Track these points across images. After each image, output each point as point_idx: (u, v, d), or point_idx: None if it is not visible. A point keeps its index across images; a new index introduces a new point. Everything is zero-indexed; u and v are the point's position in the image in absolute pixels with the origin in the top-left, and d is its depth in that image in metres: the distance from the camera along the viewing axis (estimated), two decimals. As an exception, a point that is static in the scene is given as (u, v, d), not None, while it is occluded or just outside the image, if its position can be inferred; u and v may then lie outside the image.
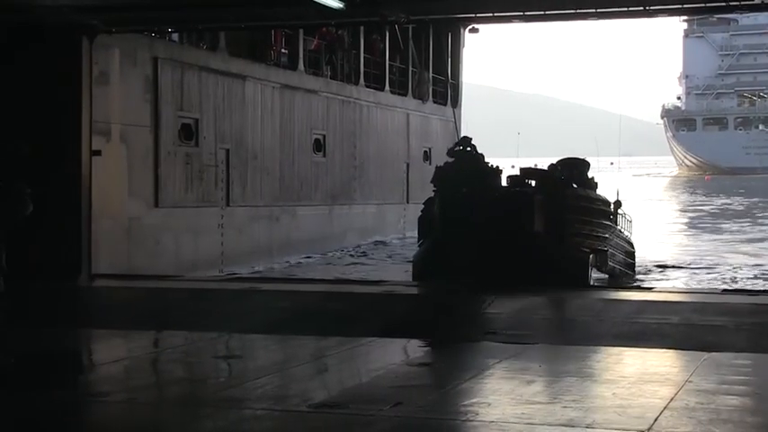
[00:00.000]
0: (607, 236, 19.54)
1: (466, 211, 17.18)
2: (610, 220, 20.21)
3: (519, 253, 16.67)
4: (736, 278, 24.27)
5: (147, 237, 20.29)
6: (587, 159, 19.72)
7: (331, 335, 11.17)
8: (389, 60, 33.22)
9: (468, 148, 18.44)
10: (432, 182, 18.13)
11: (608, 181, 20.49)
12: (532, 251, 16.74)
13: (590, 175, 19.45)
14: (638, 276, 23.09)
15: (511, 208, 17.31)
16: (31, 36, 16.25)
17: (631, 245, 22.47)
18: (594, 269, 18.64)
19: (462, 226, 17.10)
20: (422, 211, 18.37)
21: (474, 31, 38.53)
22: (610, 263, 19.61)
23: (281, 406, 8.00)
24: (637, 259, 23.41)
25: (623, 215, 21.93)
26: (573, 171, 18.75)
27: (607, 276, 19.82)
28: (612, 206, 20.59)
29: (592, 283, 18.07)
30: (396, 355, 10.73)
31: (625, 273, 21.57)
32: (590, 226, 18.57)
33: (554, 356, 10.37)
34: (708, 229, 43.65)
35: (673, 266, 26.44)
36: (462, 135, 21.40)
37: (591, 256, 18.09)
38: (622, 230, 21.73)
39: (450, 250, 17.11)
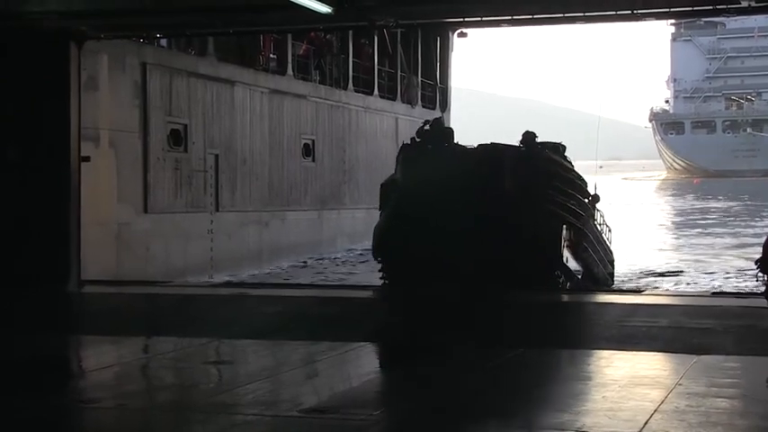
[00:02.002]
0: (583, 215, 17.86)
1: (430, 169, 15.94)
2: (587, 201, 18.47)
3: (486, 216, 15.42)
4: (724, 281, 24.32)
5: (136, 242, 20.26)
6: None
7: (321, 339, 11.16)
8: (378, 65, 33.25)
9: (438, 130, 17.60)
10: (397, 157, 17.15)
11: (595, 183, 19.81)
12: (500, 211, 15.53)
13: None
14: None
15: (479, 166, 16.03)
16: (18, 42, 16.20)
17: (611, 252, 20.99)
18: (569, 253, 16.99)
19: (426, 188, 15.84)
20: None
21: (462, 35, 38.61)
22: (584, 245, 17.83)
23: (271, 411, 7.99)
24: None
25: (604, 222, 20.41)
26: (546, 145, 17.50)
27: (582, 271, 18.13)
28: (590, 201, 18.72)
29: (565, 261, 16.66)
30: (386, 359, 10.73)
31: (605, 277, 20.05)
32: (564, 196, 17.02)
33: (544, 360, 10.38)
34: (696, 232, 43.76)
35: (663, 274, 26.33)
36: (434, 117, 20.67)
37: (564, 227, 16.60)
38: (602, 231, 20.05)
39: (412, 218, 15.90)
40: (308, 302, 14.88)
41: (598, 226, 19.76)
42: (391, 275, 16.98)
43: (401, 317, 13.70)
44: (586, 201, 18.40)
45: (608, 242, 20.89)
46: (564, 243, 16.64)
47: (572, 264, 17.40)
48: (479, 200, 15.64)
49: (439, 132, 17.33)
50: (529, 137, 16.98)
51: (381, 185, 17.41)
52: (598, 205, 19.65)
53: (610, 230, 21.24)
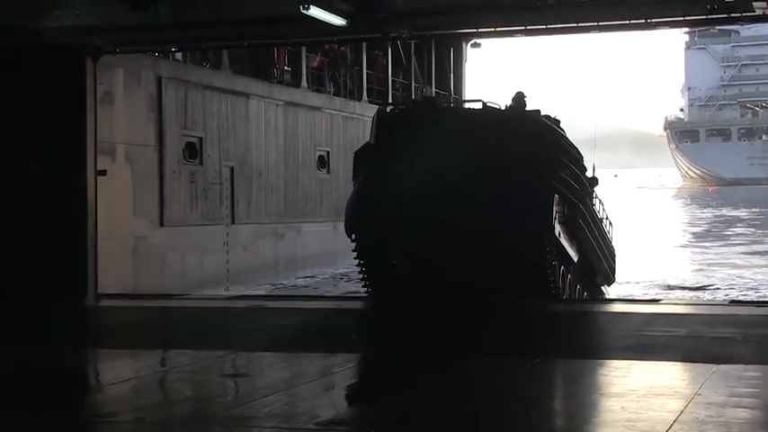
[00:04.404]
0: (578, 189, 16.28)
1: (408, 130, 14.41)
2: (584, 176, 16.81)
3: (469, 177, 14.06)
4: (743, 290, 24.19)
5: (152, 256, 20.30)
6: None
7: (337, 351, 11.15)
8: (392, 76, 33.25)
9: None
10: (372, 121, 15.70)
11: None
12: (485, 171, 14.17)
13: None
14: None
15: (463, 127, 14.60)
16: (35, 57, 16.30)
17: (612, 245, 19.58)
18: (561, 230, 15.50)
19: (403, 153, 14.35)
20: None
21: (476, 45, 38.61)
22: (579, 222, 16.37)
23: (288, 424, 7.98)
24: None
25: (604, 213, 19.06)
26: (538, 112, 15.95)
27: (577, 257, 16.76)
28: (588, 181, 17.12)
29: (557, 233, 15.21)
30: (401, 370, 10.70)
31: (605, 271, 18.78)
32: (556, 162, 15.50)
33: (562, 371, 10.34)
34: (714, 241, 43.56)
35: (682, 288, 26.03)
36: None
37: (555, 197, 15.14)
38: (602, 221, 18.51)
39: (387, 187, 14.59)
40: (324, 314, 14.88)
41: (597, 213, 18.35)
42: (365, 256, 15.91)
43: (413, 328, 13.66)
44: (583, 177, 16.90)
45: (609, 235, 19.45)
46: (555, 215, 15.17)
47: (567, 245, 16.00)
48: (461, 165, 14.30)
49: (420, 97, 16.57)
50: (519, 97, 15.86)
51: (355, 153, 15.90)
52: (599, 204, 18.52)
53: (611, 224, 19.85)
